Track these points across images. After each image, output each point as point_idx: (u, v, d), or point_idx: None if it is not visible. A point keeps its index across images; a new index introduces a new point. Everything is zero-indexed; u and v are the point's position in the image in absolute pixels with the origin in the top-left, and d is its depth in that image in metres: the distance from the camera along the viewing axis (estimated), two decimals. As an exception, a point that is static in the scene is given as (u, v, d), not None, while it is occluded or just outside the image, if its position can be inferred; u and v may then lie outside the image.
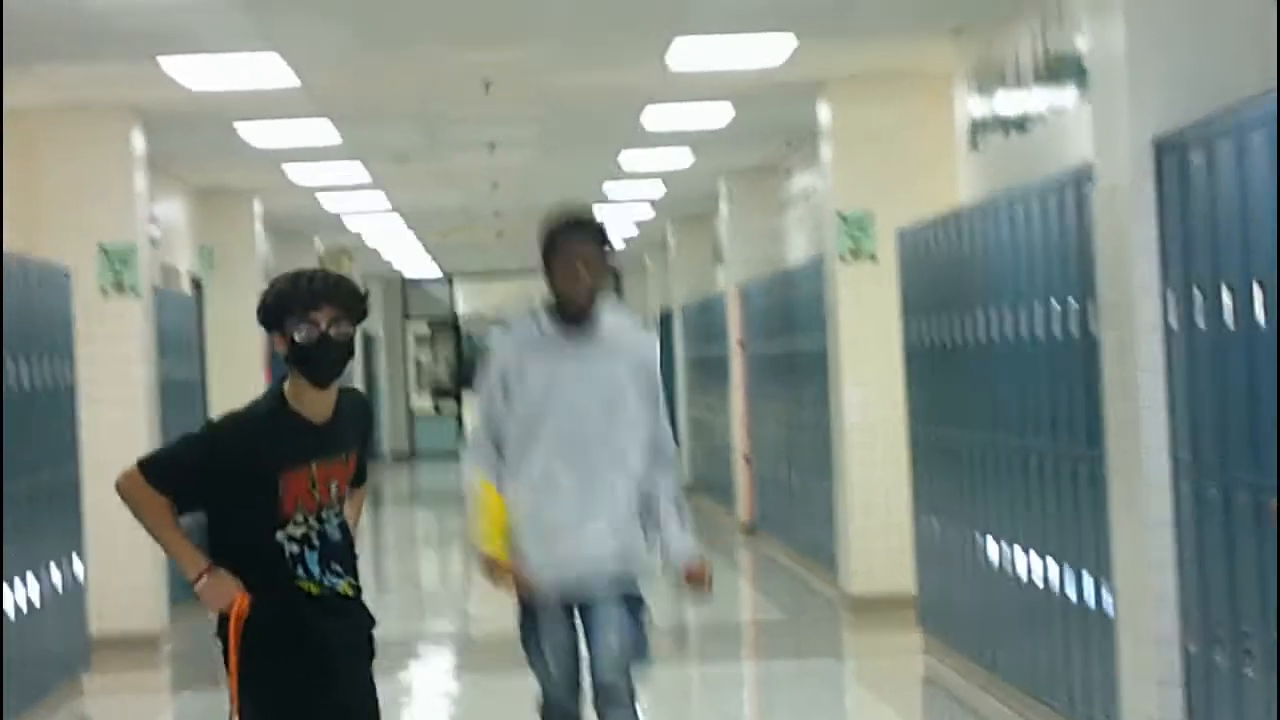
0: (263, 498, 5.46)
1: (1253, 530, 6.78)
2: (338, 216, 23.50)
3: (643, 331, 6.77)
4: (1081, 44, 9.54)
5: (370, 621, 5.70)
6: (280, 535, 5.47)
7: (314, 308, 5.50)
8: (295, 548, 5.50)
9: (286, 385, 5.56)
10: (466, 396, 39.37)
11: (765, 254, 19.59)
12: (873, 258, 13.63)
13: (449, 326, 40.53)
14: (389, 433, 38.01)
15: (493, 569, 6.58)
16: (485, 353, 6.69)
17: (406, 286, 39.00)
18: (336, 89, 13.67)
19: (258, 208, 20.49)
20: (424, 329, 40.79)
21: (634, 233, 27.46)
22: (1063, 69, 10.07)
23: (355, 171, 18.71)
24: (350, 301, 5.58)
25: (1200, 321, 7.19)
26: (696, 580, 6.79)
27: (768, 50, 12.50)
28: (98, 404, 12.63)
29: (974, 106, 12.04)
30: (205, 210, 19.60)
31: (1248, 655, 6.87)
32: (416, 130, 16.25)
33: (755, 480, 19.62)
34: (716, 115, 15.60)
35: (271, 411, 5.55)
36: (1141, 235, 7.55)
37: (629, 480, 6.60)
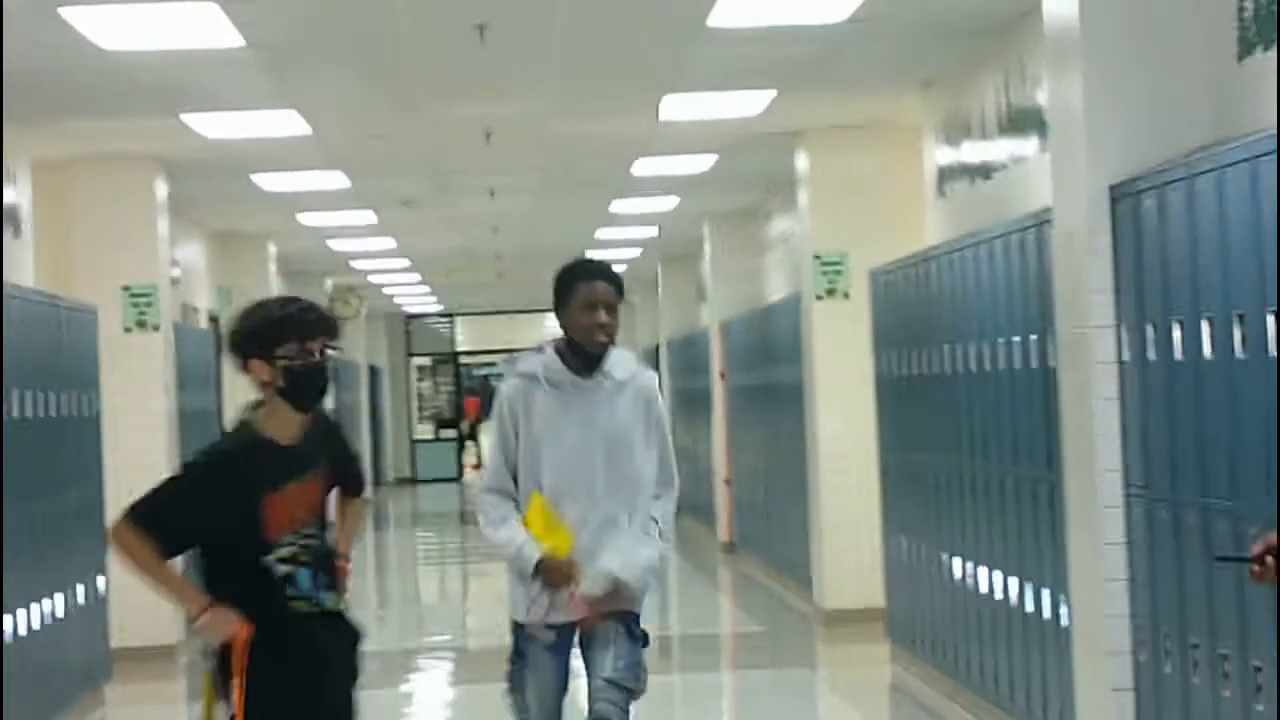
0: (247, 524, 5.31)
1: (1200, 549, 6.77)
2: (346, 258, 23.51)
3: (646, 370, 6.50)
4: (1042, 98, 9.57)
5: (356, 635, 5.60)
6: (269, 559, 5.33)
7: (311, 337, 5.38)
8: (286, 568, 5.36)
9: (255, 414, 5.43)
10: (466, 427, 39.42)
11: (746, 292, 19.61)
12: (846, 296, 13.65)
13: (450, 361, 40.52)
14: (392, 459, 37.98)
15: (554, 572, 6.17)
16: (497, 396, 6.42)
17: (410, 323, 38.98)
18: (347, 141, 13.69)
19: (272, 250, 20.50)
20: (426, 362, 40.77)
21: (623, 270, 27.44)
22: (1024, 121, 10.09)
23: (364, 216, 18.71)
24: (335, 333, 5.51)
25: (1152, 355, 7.19)
26: (593, 606, 6.25)
27: (749, 102, 12.53)
28: (121, 432, 12.63)
29: (941, 156, 12.06)
30: (223, 253, 19.62)
31: (1194, 665, 6.87)
32: (422, 178, 16.26)
33: (735, 502, 19.61)
34: (701, 163, 15.63)
35: (244, 441, 5.41)
36: (1097, 275, 7.54)
37: (632, 518, 6.32)
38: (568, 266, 6.37)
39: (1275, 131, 6.03)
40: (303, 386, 5.38)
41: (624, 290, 6.39)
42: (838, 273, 13.72)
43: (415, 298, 32.83)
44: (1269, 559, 3.85)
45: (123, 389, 13.01)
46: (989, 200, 10.82)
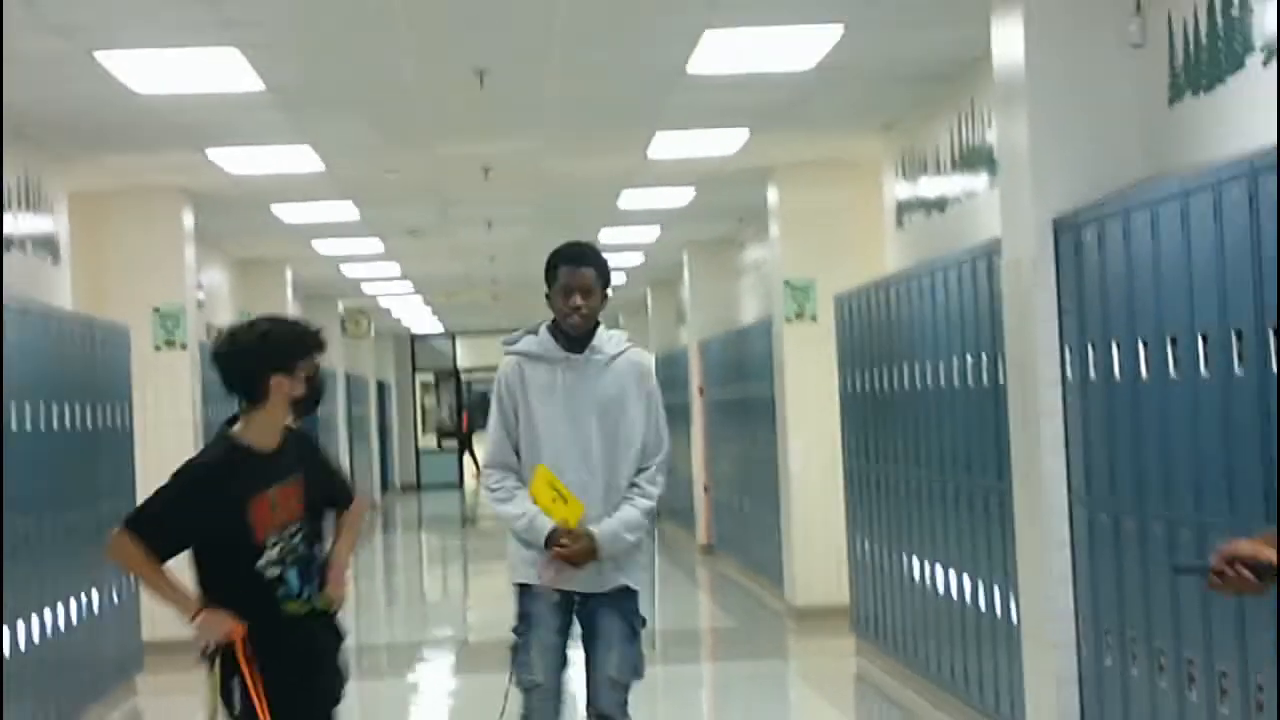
0: (235, 527, 5.22)
1: (1137, 552, 6.78)
2: (357, 282, 23.47)
3: (636, 347, 6.33)
4: (991, 138, 9.59)
5: (340, 638, 5.50)
6: (259, 563, 5.25)
7: (320, 352, 5.40)
8: (275, 570, 5.27)
9: (236, 426, 5.36)
10: (465, 437, 39.36)
11: (722, 315, 19.59)
12: (814, 319, 13.65)
13: (451, 376, 40.47)
14: (399, 467, 37.91)
15: (564, 541, 6.01)
16: (496, 375, 6.27)
17: (414, 342, 38.92)
18: (358, 175, 13.68)
19: (289, 275, 20.46)
20: (429, 378, 40.72)
21: (613, 294, 27.39)
22: (975, 159, 10.10)
23: (373, 245, 18.69)
24: (325, 348, 5.48)
25: (1092, 374, 7.20)
26: (558, 551, 6.03)
27: (725, 141, 12.55)
28: (151, 443, 12.58)
29: (900, 190, 12.06)
30: (244, 278, 19.58)
31: (1133, 658, 6.87)
32: (426, 210, 16.25)
33: (713, 507, 19.59)
34: (681, 196, 15.63)
35: (227, 449, 5.33)
36: (1042, 300, 7.55)
37: (623, 490, 6.15)
38: (555, 250, 6.22)
39: (1244, 158, 6.04)
40: (317, 396, 5.39)
41: (607, 272, 6.19)
42: (806, 297, 13.72)
43: (419, 319, 32.79)
44: (1232, 569, 3.78)
45: (153, 403, 12.99)
46: (943, 231, 10.83)
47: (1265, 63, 6.26)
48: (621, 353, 6.21)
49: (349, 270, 21.61)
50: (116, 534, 5.27)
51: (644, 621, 6.22)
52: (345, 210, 15.56)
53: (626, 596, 6.14)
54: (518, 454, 6.15)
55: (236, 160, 12.39)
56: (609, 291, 6.22)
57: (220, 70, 9.34)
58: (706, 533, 19.96)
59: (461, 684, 12.67)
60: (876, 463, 11.08)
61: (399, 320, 32.42)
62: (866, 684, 11.13)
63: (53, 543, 9.26)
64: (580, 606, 6.13)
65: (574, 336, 6.13)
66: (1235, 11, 6.48)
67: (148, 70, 9.29)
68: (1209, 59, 6.72)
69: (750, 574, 16.56)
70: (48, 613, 9.17)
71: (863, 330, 11.35)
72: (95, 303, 12.94)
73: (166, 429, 13.11)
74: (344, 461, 25.98)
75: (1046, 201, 7.52)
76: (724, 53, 9.47)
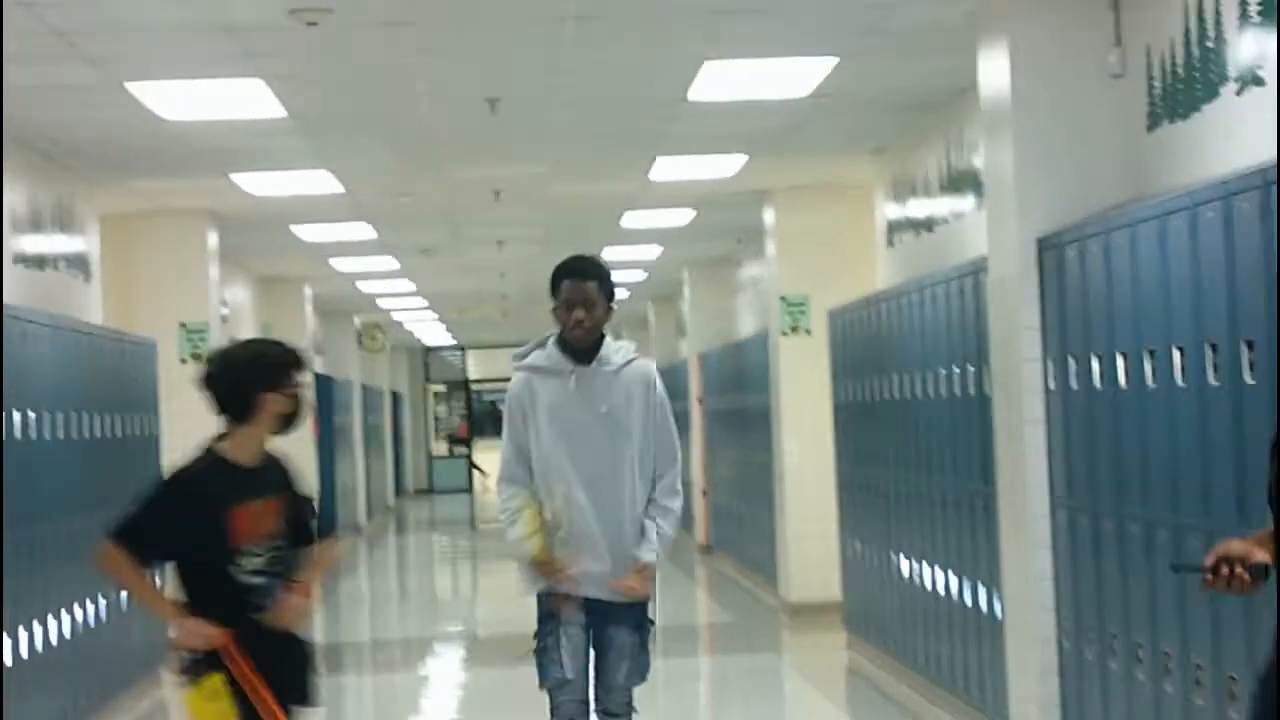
0: (215, 534, 5.10)
1: (1116, 550, 6.80)
2: (373, 298, 23.48)
3: (644, 357, 6.08)
4: (978, 162, 9.60)
5: (308, 655, 5.35)
6: (235, 570, 5.11)
7: (302, 370, 5.34)
8: (252, 579, 5.13)
9: (220, 441, 5.27)
10: (476, 444, 39.38)
11: (720, 329, 19.59)
12: (808, 332, 13.65)
13: (462, 387, 40.47)
14: (412, 472, 37.91)
15: (542, 568, 5.88)
16: (508, 390, 6.05)
17: (427, 354, 38.93)
18: (374, 197, 13.68)
19: (308, 292, 20.48)
20: (441, 389, 40.72)
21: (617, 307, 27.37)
22: (962, 182, 10.11)
23: (388, 263, 18.70)
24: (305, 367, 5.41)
25: (1074, 384, 7.21)
26: (626, 586, 5.93)
27: (724, 165, 12.55)
28: (178, 450, 12.47)
29: (891, 212, 12.07)
30: (266, 294, 19.58)
31: (1111, 651, 6.88)
32: (439, 230, 16.26)
33: (711, 509, 19.58)
34: (682, 217, 15.64)
35: (212, 461, 5.24)
36: (1026, 315, 7.56)
37: (635, 499, 5.92)
38: (559, 264, 6.01)
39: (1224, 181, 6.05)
40: (298, 411, 5.30)
41: (610, 285, 5.97)
42: (801, 312, 13.73)
43: (432, 332, 32.79)
44: (1228, 568, 3.77)
45: (179, 413, 12.91)
46: (932, 250, 10.84)
47: (1239, 92, 6.28)
48: (629, 363, 6.00)
49: (365, 287, 21.61)
50: (104, 545, 5.15)
51: (652, 623, 6.11)
52: (362, 230, 15.57)
53: (639, 607, 6.00)
54: (530, 467, 5.93)
55: (259, 183, 12.40)
56: (614, 304, 6.01)
57: (244, 99, 9.36)
58: (705, 534, 19.95)
59: (471, 677, 12.67)
60: (867, 467, 11.07)
61: (413, 334, 32.42)
62: (858, 676, 11.13)
63: (84, 543, 9.19)
64: (593, 612, 5.95)
65: (580, 349, 5.92)
66: (1210, 43, 6.50)
67: (176, 99, 9.32)
68: (1185, 88, 6.74)
69: (747, 572, 16.56)
70: (77, 609, 9.18)
71: (855, 343, 11.34)
72: (124, 318, 12.95)
73: (192, 437, 12.97)
74: (359, 467, 25.97)
75: (1031, 222, 7.53)
76: (723, 82, 9.49)
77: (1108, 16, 7.39)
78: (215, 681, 5.07)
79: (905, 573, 10.09)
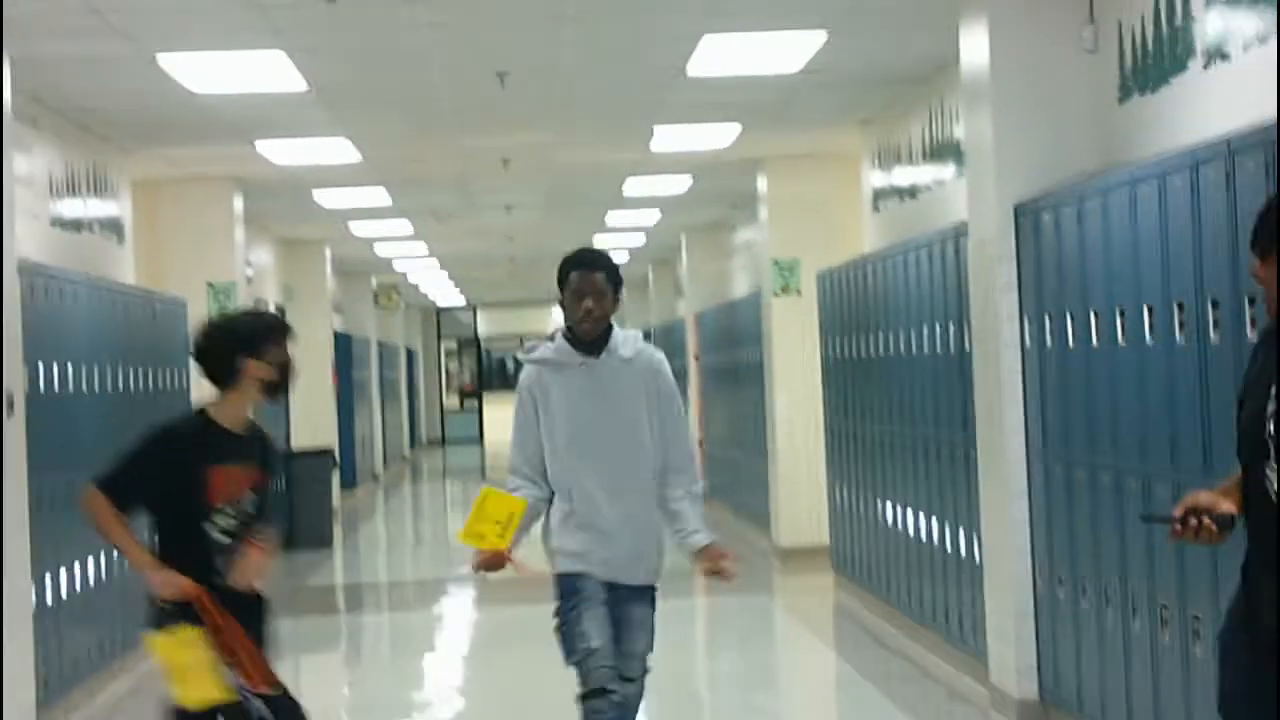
0: (193, 488, 5.05)
1: (1088, 498, 6.82)
2: (388, 260, 23.44)
3: (652, 348, 5.77)
4: (958, 132, 9.59)
5: (266, 610, 5.25)
6: (208, 526, 5.06)
7: (287, 339, 5.27)
8: (222, 538, 5.08)
9: (208, 405, 5.20)
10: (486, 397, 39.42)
11: (715, 289, 19.56)
12: (798, 293, 13.64)
13: (472, 343, 40.47)
14: (425, 424, 37.93)
15: (490, 560, 5.51)
16: (518, 385, 5.73)
17: (440, 313, 38.89)
18: (390, 165, 13.66)
19: (328, 254, 20.44)
20: (453, 345, 40.70)
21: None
22: (944, 151, 10.10)
23: (403, 226, 18.66)
24: (292, 336, 5.33)
25: (1049, 341, 7.22)
26: (715, 567, 5.67)
27: (719, 135, 12.53)
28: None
29: (876, 179, 12.06)
30: (288, 256, 19.55)
31: (1083, 592, 6.91)
32: (451, 196, 16.23)
33: (708, 460, 19.58)
34: (679, 184, 15.61)
35: (199, 421, 5.17)
36: (1004, 276, 7.57)
37: (648, 486, 5.63)
38: (566, 257, 5.69)
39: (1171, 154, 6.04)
40: (283, 379, 5.25)
41: (617, 276, 5.65)
42: (791, 274, 13.72)
43: (444, 292, 32.76)
44: (1195, 519, 3.76)
45: (206, 367, 12.99)
46: (915, 215, 10.83)
47: (1205, 66, 6.27)
48: (638, 353, 5.68)
49: (381, 249, 21.58)
50: (88, 491, 5.10)
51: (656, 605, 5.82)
52: (379, 196, 15.54)
53: (652, 587, 5.76)
54: (538, 464, 5.62)
55: (282, 151, 12.38)
56: (620, 295, 5.70)
57: (268, 72, 9.34)
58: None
59: (481, 616, 12.71)
60: (854, 419, 11.09)
61: (426, 294, 32.38)
62: (844, 615, 11.16)
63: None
64: (613, 593, 5.62)
65: (589, 340, 5.60)
66: (1179, 20, 6.48)
67: (204, 71, 9.29)
68: (1155, 63, 6.73)
69: (740, 519, 16.59)
70: (91, 561, 9.15)
71: (842, 303, 11.35)
72: (155, 278, 12.95)
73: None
74: (376, 419, 25.99)
75: (1008, 189, 7.53)
76: (719, 56, 9.46)
77: (1082, -6, 7.38)
78: (191, 633, 5.02)
79: (890, 518, 10.12)
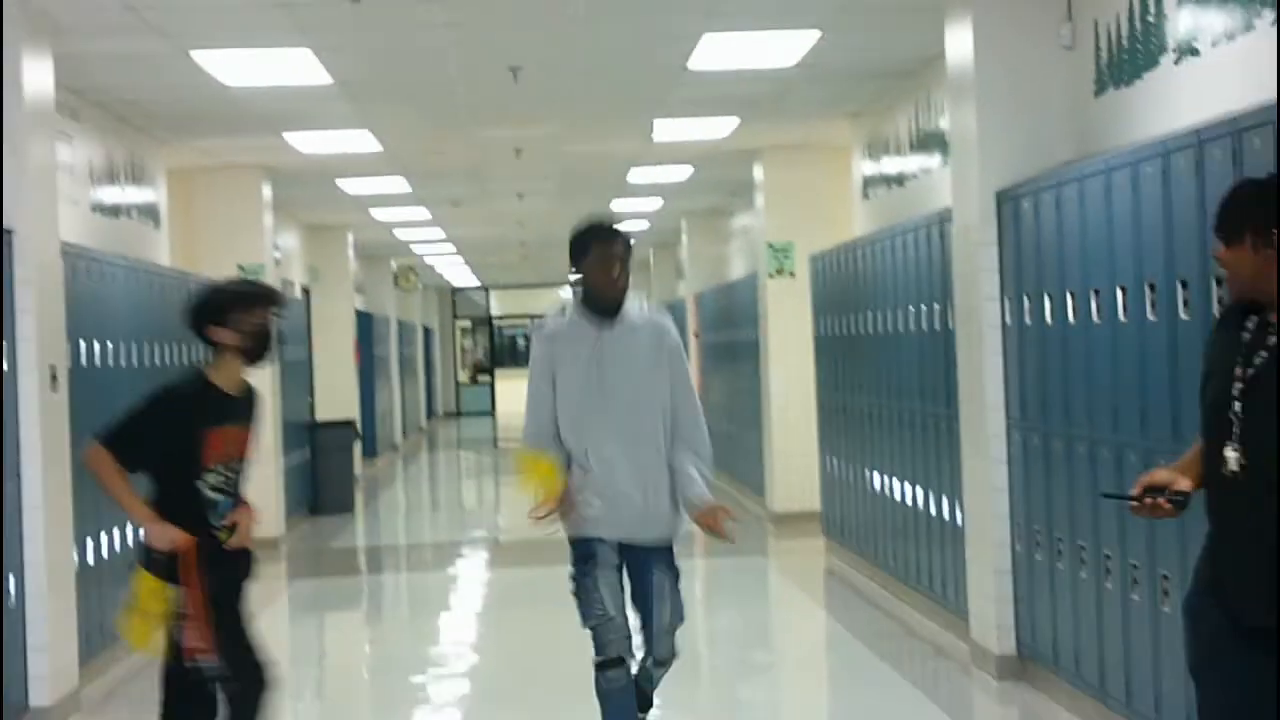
0: (191, 449, 5.06)
1: (1064, 466, 6.83)
2: (407, 244, 23.43)
3: (661, 314, 5.63)
4: (944, 124, 9.58)
5: (251, 565, 5.28)
6: (201, 485, 5.09)
7: (264, 307, 5.19)
8: (213, 494, 5.11)
9: (205, 367, 5.19)
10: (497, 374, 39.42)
11: (714, 271, 19.56)
12: (792, 275, 13.64)
13: (485, 322, 40.45)
14: (441, 398, 37.93)
15: (553, 505, 5.42)
16: (531, 355, 5.58)
17: (455, 293, 38.86)
18: (410, 155, 13.65)
19: (350, 238, 20.43)
20: (467, 324, 40.68)
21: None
22: (930, 141, 10.09)
23: (420, 213, 18.66)
24: (279, 302, 5.27)
25: (1027, 320, 7.22)
26: (708, 524, 5.46)
27: (718, 127, 12.51)
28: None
29: (866, 168, 12.04)
30: (313, 240, 19.55)
31: (1059, 554, 6.93)
32: (466, 184, 16.21)
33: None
34: (680, 173, 15.60)
35: (198, 383, 5.15)
36: (986, 259, 7.57)
37: (661, 447, 5.47)
38: (583, 229, 5.50)
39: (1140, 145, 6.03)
40: (265, 344, 5.18)
41: (630, 247, 5.55)
42: (786, 257, 13.71)
43: (459, 274, 32.73)
44: (1151, 497, 3.75)
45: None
46: (902, 202, 10.82)
47: (1176, 61, 6.26)
48: (647, 318, 5.57)
49: (400, 234, 21.57)
50: (92, 447, 5.09)
51: (678, 571, 5.63)
52: (398, 184, 15.53)
53: (668, 548, 5.57)
54: (554, 431, 5.50)
55: (308, 142, 12.37)
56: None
57: (295, 67, 9.33)
58: (700, 453, 19.91)
59: (494, 576, 12.73)
60: (844, 394, 11.10)
61: (442, 275, 32.37)
62: (834, 576, 11.17)
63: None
64: (626, 555, 5.50)
65: (604, 308, 5.46)
66: (1152, 18, 6.47)
67: (235, 67, 9.28)
68: (1129, 58, 6.72)
69: (737, 486, 16.60)
70: (115, 528, 9.14)
71: (833, 284, 11.34)
72: (189, 260, 12.95)
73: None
74: (395, 393, 26.00)
75: (990, 177, 7.53)
76: (718, 53, 9.45)
77: (1060, -6, 7.37)
78: (160, 587, 5.05)
79: (877, 486, 10.13)
